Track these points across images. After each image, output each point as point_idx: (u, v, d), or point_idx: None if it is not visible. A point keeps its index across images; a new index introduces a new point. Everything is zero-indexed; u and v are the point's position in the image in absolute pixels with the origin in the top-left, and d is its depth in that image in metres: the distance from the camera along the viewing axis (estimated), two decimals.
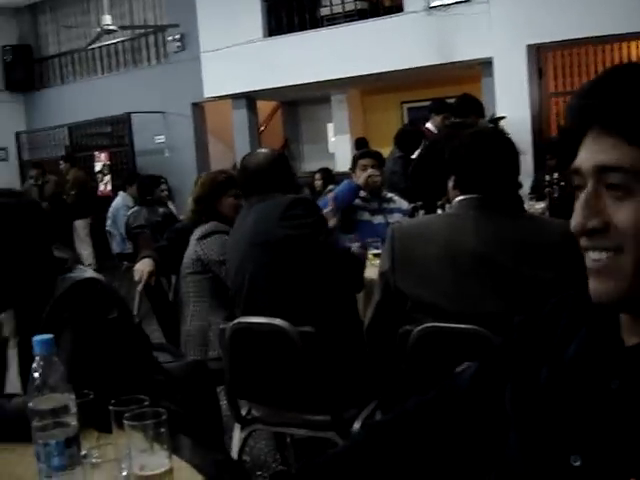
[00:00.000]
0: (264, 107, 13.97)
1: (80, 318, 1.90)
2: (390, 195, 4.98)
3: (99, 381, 1.66)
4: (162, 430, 1.45)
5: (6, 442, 1.72)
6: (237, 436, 3.14)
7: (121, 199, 9.52)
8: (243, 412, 3.15)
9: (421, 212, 4.70)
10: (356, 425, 2.90)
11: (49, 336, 1.41)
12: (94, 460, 1.53)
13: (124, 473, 1.39)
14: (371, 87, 12.63)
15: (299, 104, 14.77)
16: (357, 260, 3.37)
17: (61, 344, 1.77)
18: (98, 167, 13.26)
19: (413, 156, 6.77)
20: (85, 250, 11.78)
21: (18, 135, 15.00)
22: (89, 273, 2.02)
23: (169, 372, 2.25)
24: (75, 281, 1.95)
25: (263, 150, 3.44)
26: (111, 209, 9.50)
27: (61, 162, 12.25)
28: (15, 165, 14.93)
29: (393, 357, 2.59)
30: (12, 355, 2.03)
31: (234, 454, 3.06)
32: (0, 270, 1.90)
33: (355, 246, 3.96)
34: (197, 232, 3.82)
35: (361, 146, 11.28)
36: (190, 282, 3.81)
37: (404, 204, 4.95)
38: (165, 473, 1.46)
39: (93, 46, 13.96)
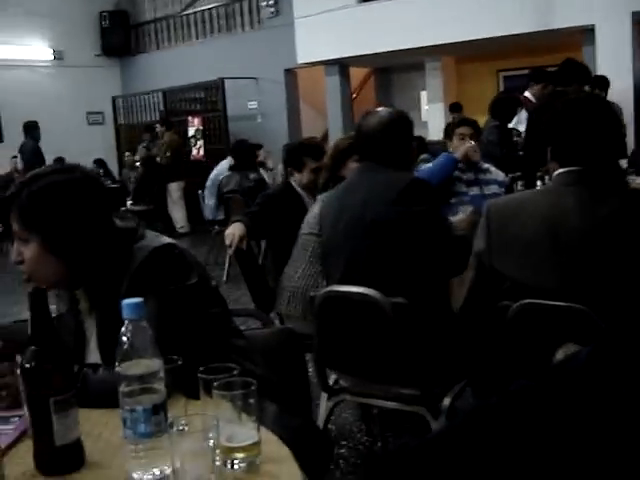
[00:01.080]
0: (357, 74, 13.83)
1: (162, 285, 1.86)
2: (487, 166, 4.81)
3: (183, 348, 1.62)
4: (251, 401, 1.41)
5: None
6: (324, 405, 3.10)
7: (225, 164, 9.51)
8: (330, 381, 3.10)
9: (519, 183, 4.54)
10: (446, 401, 2.81)
11: (138, 300, 1.37)
12: (181, 428, 1.51)
13: (211, 443, 1.35)
14: (466, 54, 12.32)
15: (392, 71, 14.57)
16: (466, 245, 3.22)
17: (147, 312, 1.75)
18: (191, 132, 13.41)
19: (510, 125, 6.57)
20: (178, 213, 11.97)
21: (114, 99, 15.29)
22: (165, 239, 1.99)
23: (252, 338, 2.21)
24: (153, 248, 1.91)
25: (384, 109, 3.20)
26: (213, 173, 9.51)
27: (157, 125, 12.42)
28: (111, 129, 15.25)
29: (486, 336, 2.50)
30: (90, 329, 2.02)
31: (320, 423, 3.02)
32: (66, 248, 1.88)
33: (468, 209, 3.84)
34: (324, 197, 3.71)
35: (455, 110, 11.08)
36: (311, 241, 3.71)
37: (500, 175, 4.78)
38: (253, 445, 1.42)
39: (187, 12, 14.11)
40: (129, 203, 10.97)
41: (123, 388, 1.36)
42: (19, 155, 11.13)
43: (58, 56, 14.94)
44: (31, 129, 11.11)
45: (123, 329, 1.37)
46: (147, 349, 1.35)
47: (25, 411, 1.50)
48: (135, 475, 1.38)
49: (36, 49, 14.68)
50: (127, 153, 13.00)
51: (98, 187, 2.00)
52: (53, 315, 1.81)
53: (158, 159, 11.77)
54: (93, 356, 1.99)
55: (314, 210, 3.69)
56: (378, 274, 2.86)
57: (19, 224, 1.88)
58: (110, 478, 1.41)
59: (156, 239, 1.96)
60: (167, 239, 1.97)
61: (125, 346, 1.35)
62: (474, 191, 4.60)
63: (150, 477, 1.37)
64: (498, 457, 1.09)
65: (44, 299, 1.39)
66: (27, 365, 1.40)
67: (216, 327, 1.97)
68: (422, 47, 10.58)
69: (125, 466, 1.41)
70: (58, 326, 2.02)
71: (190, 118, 13.55)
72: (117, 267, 1.90)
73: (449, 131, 4.90)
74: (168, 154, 11.65)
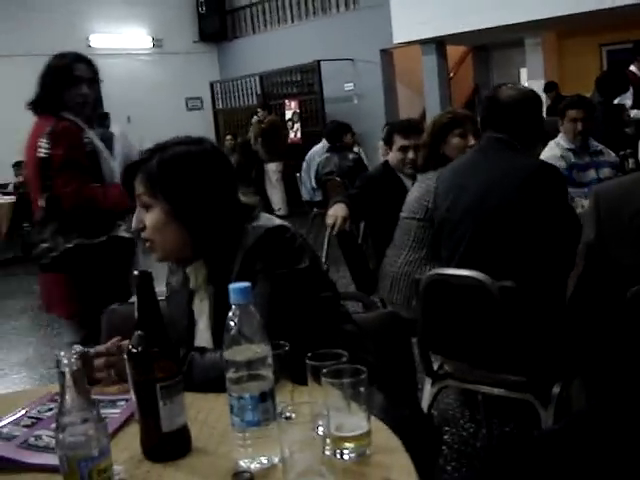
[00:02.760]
0: (454, 52, 13.59)
1: (274, 267, 1.83)
2: (600, 147, 4.59)
3: (292, 332, 1.58)
4: (361, 389, 1.35)
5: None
6: (428, 390, 3.03)
7: (321, 146, 9.52)
8: (435, 366, 3.03)
9: (631, 161, 4.33)
10: (555, 389, 2.70)
11: (246, 284, 1.33)
12: (289, 414, 1.47)
13: (320, 432, 1.30)
14: (568, 29, 11.91)
15: (490, 48, 14.26)
16: None
17: (255, 295, 1.72)
18: (288, 115, 13.46)
19: (615, 101, 6.30)
20: (276, 195, 12.06)
21: (212, 85, 15.49)
22: (278, 220, 1.95)
23: (360, 322, 2.15)
24: (266, 229, 1.87)
25: (516, 85, 3.11)
26: (308, 155, 9.54)
27: (259, 110, 12.50)
28: (209, 113, 15.45)
29: (599, 326, 2.36)
30: (201, 308, 2.00)
31: (424, 409, 2.95)
32: (191, 216, 1.87)
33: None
34: (433, 177, 3.58)
35: (550, 89, 10.74)
36: (413, 226, 3.63)
37: (612, 156, 4.56)
38: (363, 435, 1.36)
39: None
40: None
41: (230, 374, 1.32)
42: None
43: (157, 44, 15.22)
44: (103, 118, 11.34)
45: (230, 314, 1.33)
46: (255, 334, 1.31)
47: (132, 395, 1.49)
48: (242, 463, 1.34)
49: (136, 37, 15.00)
50: (228, 137, 13.13)
51: (225, 160, 2.00)
52: (162, 298, 1.81)
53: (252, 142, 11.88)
54: (202, 336, 1.98)
55: (414, 193, 3.59)
56: (489, 257, 2.76)
57: (145, 189, 1.88)
58: (216, 465, 1.38)
59: (269, 221, 1.93)
60: (279, 221, 1.94)
61: (232, 331, 1.31)
62: (590, 176, 4.40)
63: (258, 466, 1.34)
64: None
65: (150, 283, 1.37)
66: (134, 350, 1.38)
67: (326, 312, 1.92)
68: (522, 23, 10.27)
69: (232, 454, 1.38)
70: (169, 306, 2.03)
71: (287, 101, 13.60)
72: (231, 245, 1.88)
73: (559, 110, 4.70)
74: (267, 137, 11.72)
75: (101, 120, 11.34)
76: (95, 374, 1.84)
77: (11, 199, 10.71)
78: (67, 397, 1.11)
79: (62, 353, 1.11)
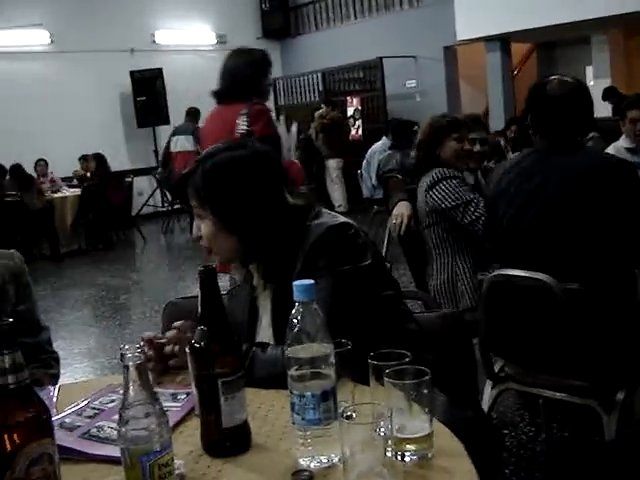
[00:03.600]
0: (518, 49, 13.39)
1: (336, 265, 1.81)
2: None
3: (354, 330, 1.57)
4: (424, 391, 1.33)
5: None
6: (488, 393, 2.99)
7: (381, 143, 9.49)
8: (495, 368, 2.98)
9: None
10: (620, 395, 2.63)
11: (310, 282, 1.32)
12: (350, 414, 1.45)
13: (381, 433, 1.29)
14: (635, 27, 11.61)
15: (555, 46, 14.03)
16: None
17: (318, 292, 1.71)
18: (350, 112, 13.44)
19: None
20: (336, 191, 12.05)
21: (275, 81, 15.54)
22: (341, 218, 1.93)
23: (421, 322, 2.12)
24: (329, 226, 1.86)
25: (562, 78, 2.89)
26: (369, 152, 9.52)
27: (322, 105, 12.51)
28: (271, 110, 15.53)
29: None
30: (264, 304, 2.00)
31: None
32: (239, 224, 1.87)
33: None
34: (423, 182, 3.63)
35: (610, 96, 10.48)
36: (429, 234, 3.65)
37: None
38: (425, 438, 1.34)
39: None
40: None
41: (292, 372, 1.31)
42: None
43: (221, 40, 15.33)
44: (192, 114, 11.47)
45: (294, 311, 1.32)
46: (318, 332, 1.30)
47: (193, 389, 1.49)
48: (302, 462, 1.33)
49: (200, 34, 15.13)
50: None
51: (269, 162, 1.98)
52: (224, 291, 1.81)
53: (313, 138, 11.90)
54: (264, 333, 1.98)
55: (420, 204, 3.63)
56: (554, 259, 2.70)
57: (196, 201, 1.90)
58: (276, 463, 1.37)
59: (332, 218, 1.91)
60: (343, 218, 1.92)
61: (295, 329, 1.30)
62: None
63: (317, 465, 1.32)
64: None
65: (214, 278, 1.37)
66: (196, 345, 1.38)
67: (388, 310, 1.90)
68: (587, 20, 10.06)
69: (291, 451, 1.37)
70: (231, 300, 2.03)
71: (349, 98, 13.58)
72: (292, 244, 1.87)
73: (620, 111, 4.58)
74: (329, 133, 11.73)
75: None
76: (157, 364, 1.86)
77: (76, 192, 10.93)
78: (130, 391, 1.11)
79: (126, 347, 1.11)
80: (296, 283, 1.31)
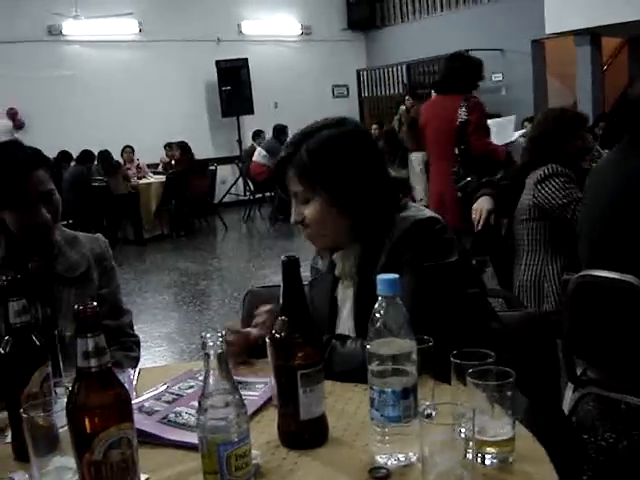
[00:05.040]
0: (609, 44, 13.00)
1: (422, 260, 1.77)
2: None
3: (436, 327, 1.54)
4: (507, 393, 1.29)
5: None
6: (569, 396, 2.90)
7: None
8: (578, 371, 2.89)
9: None
10: None
11: (394, 276, 1.29)
12: (430, 412, 1.42)
13: (462, 434, 1.25)
14: None
15: None
16: None
17: (402, 287, 1.68)
18: None
19: None
20: (418, 185, 11.91)
21: (359, 72, 15.52)
22: (428, 212, 1.89)
23: (504, 321, 2.07)
24: (416, 220, 1.82)
25: None
26: None
27: (408, 97, 12.41)
28: (355, 102, 15.50)
29: None
30: (345, 295, 1.97)
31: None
32: (350, 202, 1.84)
33: None
34: (534, 175, 3.53)
35: None
36: (524, 230, 3.56)
37: None
38: (506, 441, 1.30)
39: None
40: None
41: (373, 367, 1.28)
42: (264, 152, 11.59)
43: (306, 31, 15.37)
44: (280, 132, 11.55)
45: (377, 305, 1.29)
46: (401, 328, 1.27)
47: (271, 379, 1.48)
48: (379, 459, 1.31)
49: (286, 24, 15.20)
50: (374, 126, 13.11)
51: (370, 137, 1.98)
52: (306, 282, 1.80)
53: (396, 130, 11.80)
54: (344, 325, 1.96)
55: (525, 196, 3.52)
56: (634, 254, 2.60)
57: (301, 183, 1.86)
58: (353, 458, 1.35)
59: (419, 212, 1.88)
60: (430, 212, 1.88)
61: (378, 323, 1.27)
62: None
63: (395, 463, 1.30)
64: None
65: (297, 269, 1.35)
66: (277, 335, 1.37)
67: (473, 308, 1.86)
68: None
69: (369, 447, 1.35)
70: (312, 291, 2.03)
71: (433, 91, 13.42)
72: (380, 233, 1.84)
73: None
74: (412, 126, 11.61)
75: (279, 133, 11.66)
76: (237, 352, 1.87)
77: (161, 178, 11.13)
78: (210, 379, 1.11)
79: (208, 335, 1.10)
80: (380, 277, 1.29)
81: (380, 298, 1.29)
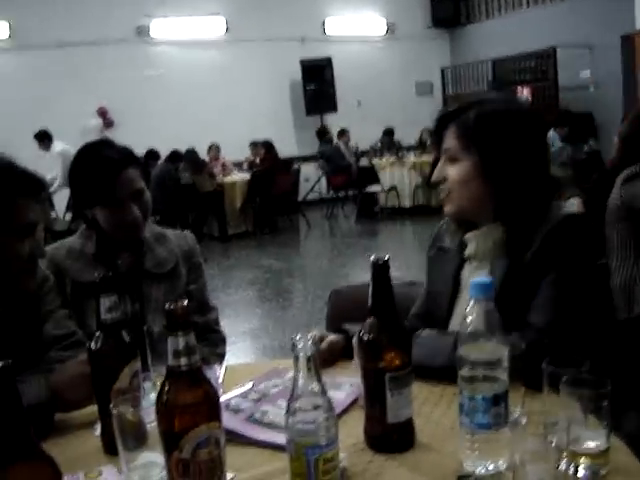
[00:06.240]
0: None
1: (570, 258, 1.71)
2: None
3: (569, 328, 1.59)
4: (603, 404, 1.24)
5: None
6: None
7: (550, 135, 9.19)
8: None
9: None
10: None
11: (488, 279, 1.26)
12: (521, 420, 1.39)
13: (553, 443, 1.21)
14: None
15: None
16: None
17: (543, 284, 1.68)
18: None
19: None
20: None
21: (442, 70, 15.35)
22: (575, 208, 1.85)
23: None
24: (570, 214, 1.78)
25: None
26: None
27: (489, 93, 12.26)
28: (439, 99, 15.34)
29: None
30: (472, 277, 1.82)
31: None
32: (499, 176, 1.80)
33: None
34: (623, 174, 3.40)
35: None
36: (612, 231, 3.44)
37: None
38: (601, 453, 1.25)
39: None
40: None
41: (463, 372, 1.25)
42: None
43: (390, 28, 15.29)
44: None
45: (468, 309, 1.26)
46: (494, 333, 1.23)
47: (358, 380, 1.47)
48: (468, 466, 1.28)
49: (369, 22, 15.15)
50: None
51: (541, 124, 1.96)
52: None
53: None
54: (463, 305, 1.85)
55: (613, 196, 3.37)
56: None
57: (457, 141, 1.85)
58: (440, 463, 1.33)
59: (571, 206, 1.87)
60: (577, 210, 1.85)
61: (470, 327, 1.24)
62: None
63: (483, 471, 1.27)
64: None
65: (387, 270, 1.33)
66: (365, 337, 1.35)
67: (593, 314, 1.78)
68: None
69: (456, 454, 1.32)
70: (433, 266, 2.05)
71: (519, 88, 13.19)
72: (536, 217, 1.78)
73: None
74: None
75: None
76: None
77: (246, 177, 11.26)
78: (299, 381, 1.10)
79: (298, 337, 1.10)
80: (474, 280, 1.26)
81: (473, 301, 1.25)
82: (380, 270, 1.34)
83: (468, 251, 1.90)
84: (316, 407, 1.09)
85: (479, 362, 1.24)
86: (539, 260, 1.70)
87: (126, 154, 2.25)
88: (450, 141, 1.86)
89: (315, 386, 1.10)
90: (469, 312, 1.26)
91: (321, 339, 1.87)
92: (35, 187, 1.78)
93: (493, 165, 1.80)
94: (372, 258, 1.34)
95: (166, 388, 1.10)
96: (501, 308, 1.59)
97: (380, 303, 1.35)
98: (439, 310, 1.95)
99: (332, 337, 1.92)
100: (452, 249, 1.98)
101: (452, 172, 1.85)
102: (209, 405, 1.11)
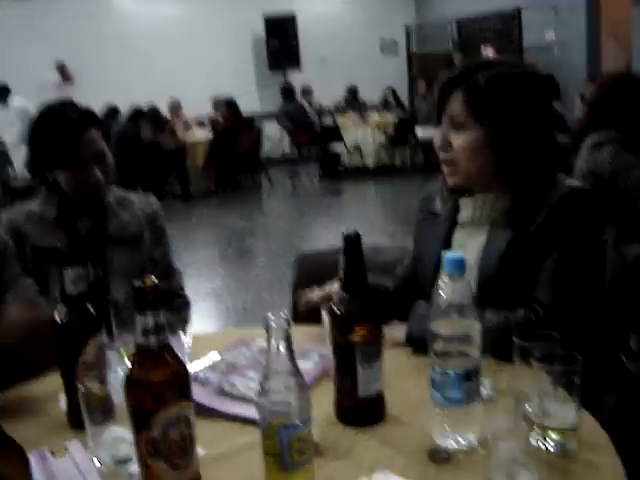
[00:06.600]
0: None
1: (574, 234, 1.68)
2: None
3: (570, 304, 1.61)
4: (574, 379, 1.23)
5: None
6: None
7: None
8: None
9: None
10: None
11: (461, 255, 1.24)
12: (491, 395, 1.39)
13: (524, 418, 1.22)
14: None
15: None
16: None
17: (550, 260, 1.65)
18: None
19: None
20: None
21: (407, 27, 15.22)
22: (576, 182, 1.79)
23: None
24: (575, 188, 1.73)
25: None
26: None
27: (456, 54, 12.22)
28: (403, 56, 15.24)
29: None
30: (466, 242, 1.84)
31: None
32: (507, 145, 1.73)
33: None
34: (590, 140, 3.40)
35: None
36: None
37: None
38: (569, 429, 1.25)
39: None
40: (419, 130, 11.00)
41: (435, 347, 1.24)
42: None
43: None
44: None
45: (442, 284, 1.24)
46: (467, 309, 1.22)
47: (327, 352, 1.45)
48: (439, 441, 1.28)
49: None
50: (422, 82, 12.90)
51: (550, 90, 1.87)
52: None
53: None
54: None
55: (579, 162, 3.36)
56: None
57: (465, 108, 1.74)
58: (411, 438, 1.32)
59: (572, 181, 1.79)
60: (579, 184, 1.79)
61: (443, 303, 1.23)
62: None
63: (455, 446, 1.27)
64: None
65: (359, 244, 1.31)
66: (337, 311, 1.33)
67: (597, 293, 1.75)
68: None
69: (427, 428, 1.32)
70: (421, 228, 2.02)
71: (483, 47, 13.15)
72: (540, 188, 1.73)
73: None
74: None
75: None
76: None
77: (207, 135, 11.13)
78: (272, 360, 1.07)
79: (270, 315, 1.07)
80: (448, 255, 1.24)
81: (447, 277, 1.24)
82: (352, 243, 1.31)
83: (463, 217, 1.85)
84: (289, 387, 1.07)
85: (451, 337, 1.23)
86: (544, 234, 1.66)
87: (87, 115, 2.20)
88: (456, 107, 1.75)
89: (288, 365, 1.07)
90: (443, 287, 1.25)
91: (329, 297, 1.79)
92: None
93: (505, 134, 1.72)
94: (343, 231, 1.31)
95: (135, 367, 1.08)
96: (502, 279, 1.59)
97: (352, 277, 1.33)
98: (426, 274, 1.87)
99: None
100: (442, 213, 1.93)
101: (458, 141, 1.76)
102: (179, 384, 1.09)
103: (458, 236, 1.87)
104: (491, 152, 1.73)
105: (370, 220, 8.55)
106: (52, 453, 1.32)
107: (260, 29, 13.54)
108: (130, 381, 1.07)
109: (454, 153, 1.78)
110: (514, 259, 1.68)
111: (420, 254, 1.98)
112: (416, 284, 1.94)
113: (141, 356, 1.07)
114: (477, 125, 1.73)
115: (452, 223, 1.89)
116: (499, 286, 1.69)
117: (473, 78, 1.73)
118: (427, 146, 10.85)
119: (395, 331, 1.74)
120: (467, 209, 1.83)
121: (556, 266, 1.65)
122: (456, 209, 1.88)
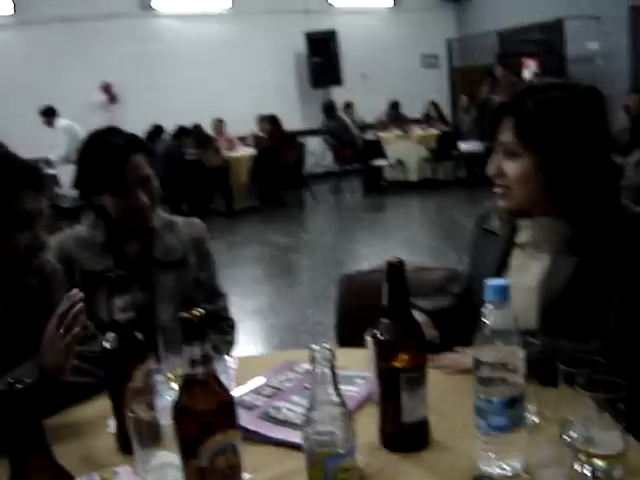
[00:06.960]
0: None
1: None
2: None
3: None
4: (620, 406, 1.22)
5: None
6: None
7: None
8: None
9: None
10: None
11: (504, 282, 1.24)
12: (536, 421, 1.39)
13: (568, 445, 1.21)
14: None
15: None
16: None
17: (623, 291, 1.62)
18: (526, 74, 12.95)
19: None
20: None
21: (449, 42, 15.21)
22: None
23: None
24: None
25: None
26: None
27: (498, 67, 12.15)
28: (445, 71, 15.22)
29: None
30: (525, 264, 1.83)
31: None
32: (560, 172, 1.70)
33: None
34: (636, 156, 3.37)
35: None
36: None
37: None
38: (617, 454, 1.24)
39: None
40: (462, 144, 10.98)
41: (480, 374, 1.25)
42: None
43: (397, 2, 15.11)
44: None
45: (484, 310, 1.24)
46: (511, 335, 1.22)
47: (372, 376, 1.46)
48: (484, 467, 1.28)
49: None
50: (464, 97, 12.87)
51: (603, 110, 1.80)
52: None
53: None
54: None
55: (626, 176, 3.32)
56: None
57: (515, 135, 1.73)
58: (455, 464, 1.32)
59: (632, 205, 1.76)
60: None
61: (487, 329, 1.23)
62: None
63: (499, 472, 1.26)
64: None
65: (402, 272, 1.32)
66: (381, 337, 1.34)
67: None
68: None
69: (472, 454, 1.31)
70: (477, 247, 1.99)
71: (525, 60, 13.08)
72: (604, 213, 1.71)
73: None
74: (494, 96, 11.38)
75: None
76: None
77: (251, 151, 11.21)
78: (317, 391, 1.09)
79: (316, 347, 1.08)
80: (491, 282, 1.24)
81: (489, 304, 1.24)
82: (395, 271, 1.32)
83: (523, 238, 1.84)
84: (334, 417, 1.08)
85: (494, 364, 1.23)
86: (613, 262, 1.64)
87: (133, 140, 2.24)
88: (507, 134, 1.74)
89: (333, 396, 1.09)
90: (486, 314, 1.25)
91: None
92: (32, 178, 1.75)
93: (555, 160, 1.70)
94: (387, 260, 1.32)
95: (182, 396, 1.10)
96: (567, 305, 1.57)
97: (395, 304, 1.34)
98: (481, 294, 1.86)
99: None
100: (500, 233, 1.91)
101: (511, 169, 1.75)
102: (226, 413, 1.11)
103: (517, 257, 1.86)
104: (542, 178, 1.72)
105: (414, 236, 8.52)
106: (101, 478, 1.34)
107: (302, 47, 13.63)
108: (177, 411, 1.10)
109: (507, 181, 1.77)
110: (580, 286, 1.65)
111: (476, 273, 1.96)
112: (471, 303, 1.90)
113: (188, 386, 1.09)
114: (528, 152, 1.71)
115: (510, 243, 1.87)
116: (563, 312, 1.68)
117: (523, 104, 1.71)
118: (470, 160, 10.82)
119: (462, 357, 1.71)
120: (526, 231, 1.82)
121: (632, 297, 1.62)
122: (514, 229, 1.86)
